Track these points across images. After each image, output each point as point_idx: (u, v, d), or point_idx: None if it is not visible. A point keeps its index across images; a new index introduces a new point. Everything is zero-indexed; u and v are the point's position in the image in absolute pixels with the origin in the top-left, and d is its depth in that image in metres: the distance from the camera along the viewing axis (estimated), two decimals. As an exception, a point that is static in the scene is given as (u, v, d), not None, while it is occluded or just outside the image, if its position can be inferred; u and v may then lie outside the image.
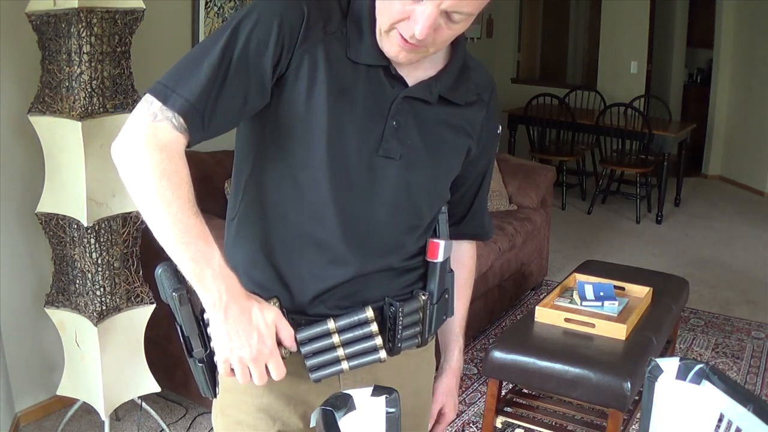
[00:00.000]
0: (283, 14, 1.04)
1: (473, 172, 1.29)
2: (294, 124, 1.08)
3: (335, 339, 1.12)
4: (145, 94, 1.03)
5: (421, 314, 1.21)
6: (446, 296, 1.26)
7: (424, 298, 1.20)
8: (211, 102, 1.01)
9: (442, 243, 1.22)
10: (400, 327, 1.17)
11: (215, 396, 1.15)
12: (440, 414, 1.38)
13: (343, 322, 1.12)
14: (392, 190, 1.13)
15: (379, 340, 1.14)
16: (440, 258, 1.22)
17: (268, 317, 1.03)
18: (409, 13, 1.01)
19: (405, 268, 1.21)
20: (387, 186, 1.13)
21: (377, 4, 1.07)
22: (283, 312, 1.10)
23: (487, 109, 1.24)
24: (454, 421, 2.88)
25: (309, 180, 1.10)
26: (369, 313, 1.13)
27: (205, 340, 1.09)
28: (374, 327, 1.13)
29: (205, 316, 1.08)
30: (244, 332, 1.01)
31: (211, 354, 1.10)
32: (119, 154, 1.01)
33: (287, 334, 1.05)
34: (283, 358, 1.08)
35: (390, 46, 1.06)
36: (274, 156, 1.11)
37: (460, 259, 1.37)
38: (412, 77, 1.12)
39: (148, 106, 1.01)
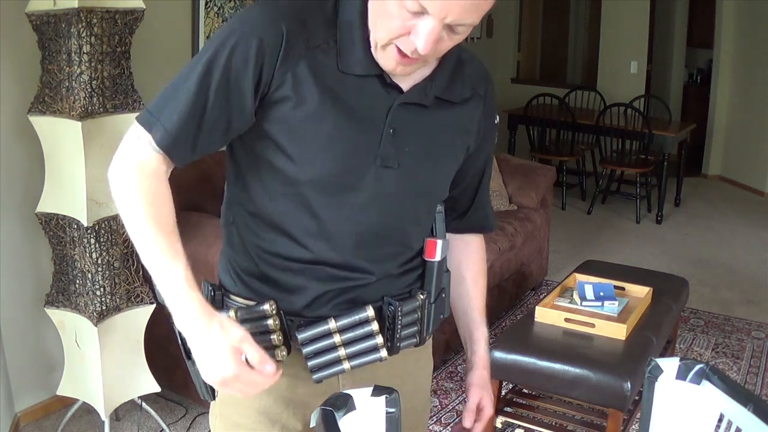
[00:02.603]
0: (261, 36, 1.02)
1: (474, 166, 1.28)
2: (284, 142, 1.07)
3: (336, 339, 1.12)
4: (134, 121, 1.06)
5: (419, 313, 1.20)
6: (443, 295, 1.26)
7: (422, 297, 1.20)
8: (192, 131, 1.03)
9: (439, 242, 1.21)
10: (399, 326, 1.17)
11: (213, 398, 1.15)
12: (478, 409, 1.33)
13: (344, 321, 1.12)
14: (391, 199, 1.13)
15: (380, 339, 1.14)
16: (438, 257, 1.21)
17: (227, 341, 0.96)
18: (410, 28, 0.98)
19: (404, 270, 1.20)
20: (386, 195, 1.12)
21: (372, 17, 1.04)
22: (280, 314, 1.10)
23: (484, 103, 1.23)
24: (453, 421, 2.88)
25: (302, 196, 1.09)
26: (370, 312, 1.13)
27: None
28: (375, 326, 1.13)
29: None
30: (208, 356, 0.96)
31: None
32: (112, 179, 1.05)
33: (255, 358, 0.96)
34: (280, 360, 1.08)
35: (386, 60, 1.04)
36: (265, 174, 1.10)
37: (470, 248, 1.36)
38: (406, 81, 1.10)
39: (137, 131, 1.05)
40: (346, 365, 1.13)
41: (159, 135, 1.02)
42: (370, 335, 1.14)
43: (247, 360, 0.97)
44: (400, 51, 1.01)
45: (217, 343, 0.96)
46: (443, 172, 1.20)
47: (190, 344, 0.99)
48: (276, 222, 1.12)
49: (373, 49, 1.05)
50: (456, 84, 1.16)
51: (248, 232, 1.16)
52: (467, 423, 1.31)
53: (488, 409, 1.33)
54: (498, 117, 1.29)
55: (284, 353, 1.08)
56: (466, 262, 1.36)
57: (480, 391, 1.32)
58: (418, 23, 0.97)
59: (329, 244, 1.12)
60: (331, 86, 1.06)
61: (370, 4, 1.04)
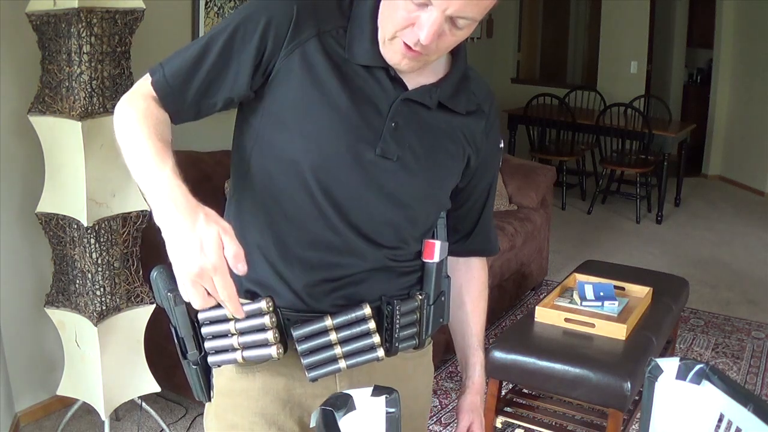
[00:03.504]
0: (272, 13, 1.07)
1: (477, 187, 1.29)
2: (286, 121, 1.10)
3: (332, 336, 1.12)
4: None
5: (417, 314, 1.20)
6: (442, 299, 1.26)
7: (420, 297, 1.20)
8: (186, 82, 1.09)
9: (437, 243, 1.22)
10: (397, 326, 1.17)
11: (209, 399, 1.15)
12: None
13: (341, 318, 1.12)
14: (388, 190, 1.13)
15: (376, 338, 1.14)
16: (436, 258, 1.21)
17: (212, 228, 0.90)
18: (414, 19, 1.02)
19: (402, 270, 1.21)
20: (383, 186, 1.13)
21: (381, 11, 1.08)
22: (277, 312, 1.10)
23: (487, 120, 1.24)
24: (453, 421, 2.88)
25: (302, 177, 1.10)
26: (366, 309, 1.13)
27: (200, 342, 1.08)
28: (372, 324, 1.13)
29: (199, 316, 1.07)
30: (187, 243, 0.89)
31: (206, 356, 1.10)
32: (115, 112, 1.09)
33: (231, 251, 0.90)
34: (276, 359, 1.07)
35: (393, 54, 1.07)
36: (267, 153, 1.12)
37: (472, 272, 1.37)
38: (412, 82, 1.13)
39: (144, 77, 1.12)
40: (342, 364, 1.13)
41: (156, 77, 1.09)
42: (366, 334, 1.13)
43: None
44: (405, 44, 1.04)
45: (202, 231, 0.90)
46: (442, 175, 1.20)
47: (167, 235, 0.91)
48: (275, 203, 1.13)
49: (381, 45, 1.09)
50: (461, 96, 1.18)
51: (249, 218, 1.16)
52: None
53: None
54: (502, 142, 1.31)
55: (280, 351, 1.08)
56: (468, 286, 1.37)
57: (470, 416, 1.34)
58: (421, 15, 1.01)
59: (325, 226, 1.12)
60: (338, 71, 1.09)
61: (381, 3, 1.08)
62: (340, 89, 1.09)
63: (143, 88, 1.10)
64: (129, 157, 1.02)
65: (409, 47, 1.04)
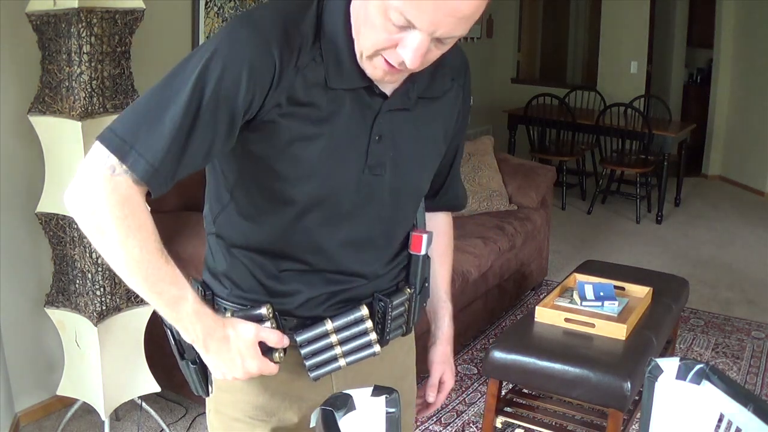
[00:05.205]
0: (252, 62, 0.97)
1: (448, 150, 1.29)
2: (276, 163, 1.05)
3: (333, 338, 1.16)
4: (96, 140, 0.97)
5: (406, 306, 1.24)
6: (426, 285, 1.29)
7: (410, 291, 1.23)
8: (175, 160, 0.96)
9: (425, 236, 1.24)
10: (389, 320, 1.21)
11: (208, 394, 1.17)
12: (440, 383, 1.38)
13: (340, 321, 1.16)
14: (382, 204, 1.15)
15: (374, 336, 1.18)
16: (424, 251, 1.24)
17: (246, 337, 1.06)
18: (396, 41, 0.95)
19: (390, 266, 1.23)
20: (376, 201, 1.14)
21: (355, 25, 1.01)
22: (276, 317, 1.12)
23: (463, 90, 1.24)
24: (453, 420, 2.88)
25: (294, 213, 1.09)
26: (364, 311, 1.17)
27: None
28: (369, 324, 1.17)
29: None
30: (229, 359, 1.05)
31: None
32: (78, 207, 0.97)
33: (274, 339, 1.08)
34: (277, 362, 1.10)
35: (373, 69, 1.01)
36: (253, 193, 1.10)
37: (439, 228, 1.38)
38: (389, 86, 1.08)
39: (105, 159, 0.95)
40: (342, 362, 1.17)
41: (141, 168, 0.94)
42: (364, 333, 1.17)
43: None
44: (387, 62, 0.98)
45: (238, 346, 1.05)
46: (429, 167, 1.23)
47: (206, 358, 1.06)
48: (264, 237, 1.13)
49: (358, 58, 1.02)
50: (437, 79, 1.15)
51: (240, 248, 1.16)
52: (431, 398, 1.37)
53: (449, 382, 1.38)
54: (472, 100, 1.31)
55: (281, 354, 1.10)
56: (434, 241, 1.35)
57: (442, 367, 1.37)
58: (405, 37, 0.94)
59: (323, 255, 1.14)
60: (321, 104, 1.04)
61: (351, 9, 1.01)
62: (325, 123, 1.05)
63: (120, 187, 0.94)
64: (132, 280, 0.99)
65: (391, 65, 0.98)
